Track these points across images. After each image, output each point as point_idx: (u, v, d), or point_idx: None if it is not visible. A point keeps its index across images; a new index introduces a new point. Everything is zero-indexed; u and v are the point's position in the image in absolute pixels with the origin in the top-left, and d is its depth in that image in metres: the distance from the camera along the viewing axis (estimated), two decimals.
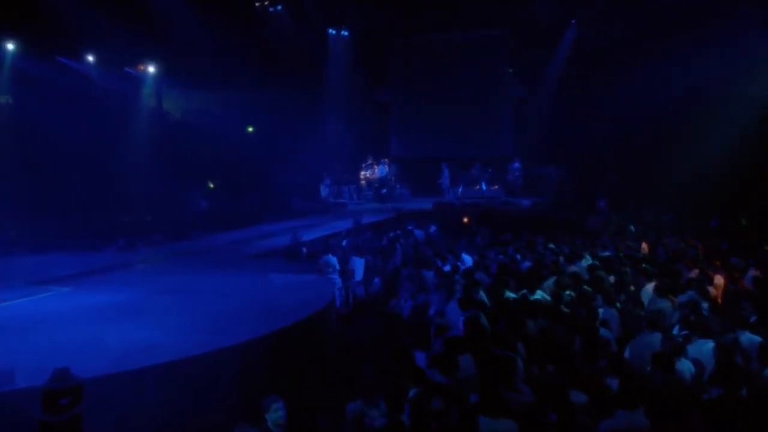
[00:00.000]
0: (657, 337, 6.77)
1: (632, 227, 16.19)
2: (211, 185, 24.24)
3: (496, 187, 23.02)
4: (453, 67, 26.54)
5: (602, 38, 21.91)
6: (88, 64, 20.22)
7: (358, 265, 12.99)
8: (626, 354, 6.77)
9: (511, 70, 25.87)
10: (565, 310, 7.97)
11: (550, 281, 9.62)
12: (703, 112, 19.32)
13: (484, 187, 23.12)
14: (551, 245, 13.31)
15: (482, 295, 8.93)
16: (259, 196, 22.45)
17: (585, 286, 8.67)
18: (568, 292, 8.66)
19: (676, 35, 19.62)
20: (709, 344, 6.32)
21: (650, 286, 9.07)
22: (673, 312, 8.11)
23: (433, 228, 17.46)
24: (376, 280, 13.37)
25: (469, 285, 8.83)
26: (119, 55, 20.86)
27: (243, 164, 23.17)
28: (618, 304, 8.24)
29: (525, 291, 8.72)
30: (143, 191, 19.57)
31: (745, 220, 17.86)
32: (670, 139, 20.17)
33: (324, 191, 24.29)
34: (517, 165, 23.11)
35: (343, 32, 26.96)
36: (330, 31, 26.70)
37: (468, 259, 11.92)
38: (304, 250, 12.72)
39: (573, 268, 10.54)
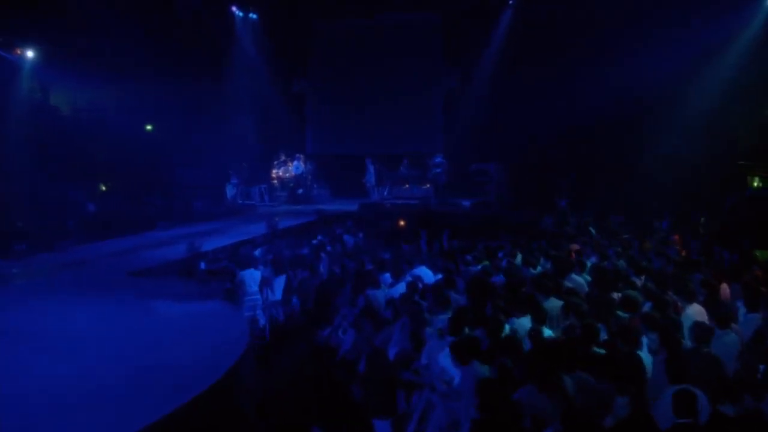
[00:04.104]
0: None
1: (592, 229, 13.99)
2: (103, 187, 21.25)
3: (428, 186, 20.49)
4: (376, 54, 23.91)
5: (543, 22, 19.87)
6: None
7: (276, 280, 10.01)
8: None
9: (441, 58, 23.36)
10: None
11: (551, 304, 6.95)
12: (648, 109, 18.47)
13: (413, 186, 20.59)
14: (519, 252, 10.73)
15: None
16: (157, 199, 19.62)
17: (620, 313, 6.01)
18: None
19: (625, 21, 18.24)
20: None
21: (693, 310, 6.59)
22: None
23: (359, 234, 14.69)
24: (294, 299, 10.43)
25: (457, 317, 5.91)
26: None
27: (140, 164, 20.39)
28: None
29: (535, 324, 5.95)
30: (19, 194, 16.57)
31: (704, 218, 16.33)
32: (614, 136, 18.72)
33: (230, 192, 21.12)
34: (438, 160, 20.57)
35: (251, 14, 23.76)
36: (236, 12, 23.43)
37: (426, 274, 9.09)
38: (203, 264, 9.45)
39: (567, 284, 7.96)
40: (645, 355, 5.38)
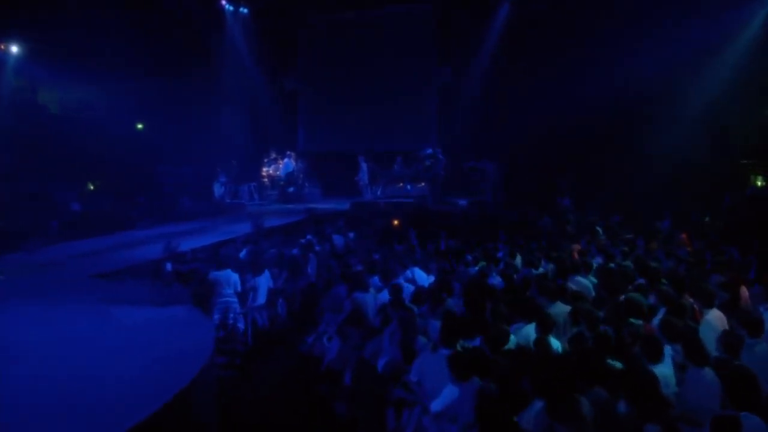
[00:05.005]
0: None
1: (599, 228, 13.31)
2: (92, 186, 20.90)
3: (423, 184, 19.76)
4: (369, 49, 23.21)
5: (542, 17, 19.24)
6: None
7: (261, 283, 9.30)
8: None
9: (435, 52, 22.65)
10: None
11: (557, 309, 6.28)
12: (648, 107, 17.96)
13: (408, 184, 19.91)
14: (518, 253, 10.06)
15: None
16: (145, 198, 18.98)
17: (633, 321, 5.34)
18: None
19: (625, 18, 17.71)
20: None
21: (713, 315, 5.94)
22: None
23: (351, 234, 14.01)
24: (281, 302, 9.73)
25: (451, 325, 5.21)
26: None
27: (130, 163, 19.83)
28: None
29: (542, 333, 5.27)
30: (2, 193, 16.25)
31: (708, 218, 15.82)
32: (613, 134, 18.14)
33: (218, 190, 20.35)
34: (429, 151, 19.51)
35: (242, 9, 23.11)
36: (227, 6, 22.77)
37: (420, 275, 8.39)
38: (169, 265, 8.65)
39: (571, 287, 7.30)
40: (667, 370, 4.72)
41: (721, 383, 4.29)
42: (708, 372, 4.44)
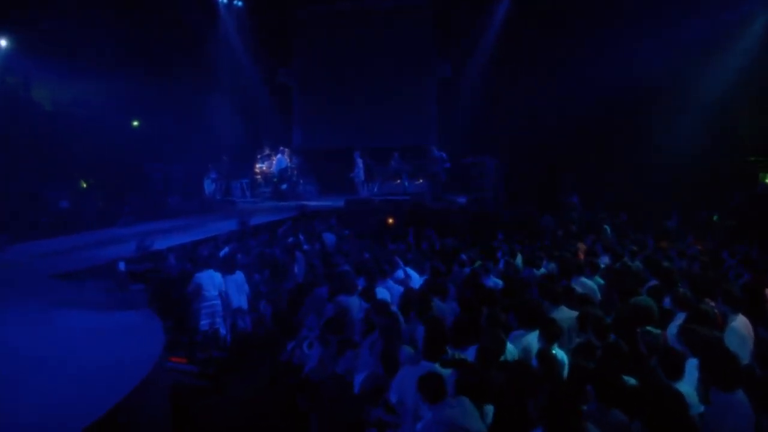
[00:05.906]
0: None
1: (607, 227, 12.67)
2: (84, 184, 20.20)
3: (420, 181, 19.09)
4: (366, 44, 22.58)
5: (543, 11, 18.62)
6: None
7: (242, 284, 8.62)
8: None
9: (434, 46, 22.00)
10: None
11: (561, 314, 5.59)
12: (653, 103, 17.44)
13: (405, 181, 19.22)
14: (519, 252, 9.38)
15: None
16: (137, 195, 18.50)
17: (651, 329, 4.65)
18: None
19: (630, 11, 17.23)
20: None
21: (738, 322, 5.25)
22: None
23: (346, 231, 13.36)
24: (263, 305, 9.05)
25: (434, 334, 4.49)
26: None
27: (123, 160, 19.31)
28: None
29: (546, 343, 4.59)
30: None
31: (716, 215, 15.42)
32: (616, 130, 17.76)
33: (209, 187, 19.67)
34: (444, 155, 18.88)
35: (236, 2, 22.51)
36: None
37: (414, 276, 7.69)
38: (122, 265, 7.87)
39: (578, 289, 6.61)
40: (688, 386, 4.02)
41: (753, 404, 3.61)
42: (737, 391, 3.75)
